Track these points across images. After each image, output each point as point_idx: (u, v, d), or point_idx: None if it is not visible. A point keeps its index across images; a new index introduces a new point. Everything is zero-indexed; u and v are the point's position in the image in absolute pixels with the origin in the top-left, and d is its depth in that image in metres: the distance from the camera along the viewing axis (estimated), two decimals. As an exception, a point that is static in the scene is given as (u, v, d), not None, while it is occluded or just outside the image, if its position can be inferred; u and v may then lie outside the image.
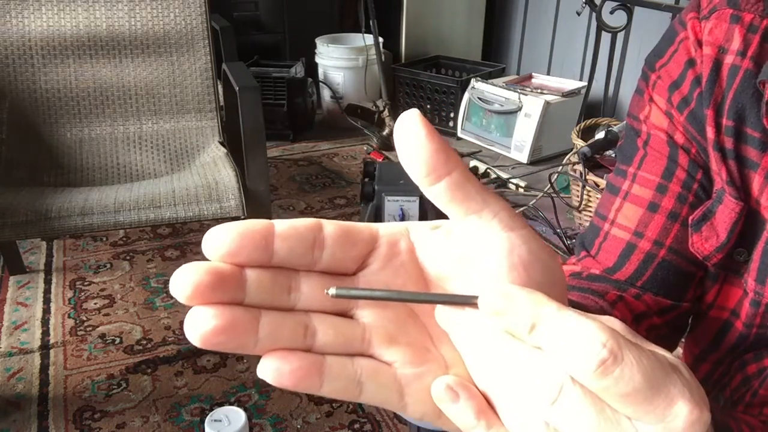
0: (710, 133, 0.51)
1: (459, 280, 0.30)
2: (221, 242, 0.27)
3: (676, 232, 0.54)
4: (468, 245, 0.29)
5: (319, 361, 0.27)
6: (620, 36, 2.62)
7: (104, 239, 2.18)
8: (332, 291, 0.27)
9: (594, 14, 2.57)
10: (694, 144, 0.54)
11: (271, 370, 0.27)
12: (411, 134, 0.27)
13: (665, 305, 0.55)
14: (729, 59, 0.50)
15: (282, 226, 0.27)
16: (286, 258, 0.28)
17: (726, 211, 0.51)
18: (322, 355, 0.28)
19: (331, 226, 0.29)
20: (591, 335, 0.24)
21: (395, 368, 0.29)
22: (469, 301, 0.27)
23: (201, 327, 0.26)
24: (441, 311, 0.28)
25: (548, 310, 0.25)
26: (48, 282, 1.95)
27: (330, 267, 0.29)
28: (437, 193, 0.28)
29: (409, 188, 1.95)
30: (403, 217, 2.12)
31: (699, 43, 0.52)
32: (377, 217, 2.15)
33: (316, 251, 0.28)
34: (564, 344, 0.24)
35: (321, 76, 3.20)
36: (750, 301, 0.51)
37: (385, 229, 0.30)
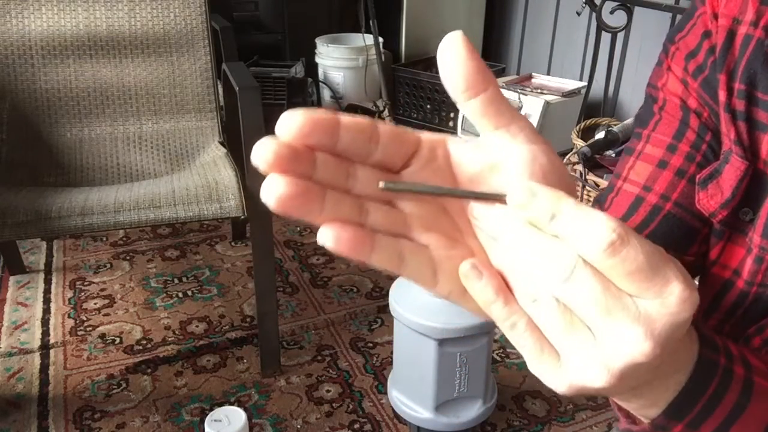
0: (722, 96, 0.54)
1: (485, 185, 0.34)
2: (296, 124, 0.30)
3: (683, 187, 0.58)
4: (495, 155, 0.34)
5: (371, 234, 0.32)
6: (620, 36, 2.62)
7: (104, 239, 2.18)
8: (381, 184, 0.32)
9: (594, 14, 2.56)
10: (706, 108, 0.57)
11: (331, 236, 0.31)
12: (453, 53, 0.31)
13: None
14: (743, 29, 0.53)
15: (346, 118, 0.31)
16: (348, 147, 0.32)
17: (732, 170, 0.53)
18: (372, 231, 0.32)
19: (384, 126, 0.33)
20: (603, 222, 0.29)
21: (430, 250, 0.34)
22: (498, 197, 0.32)
23: (278, 191, 0.30)
24: (473, 205, 0.33)
25: (567, 202, 0.30)
26: (48, 282, 1.95)
27: (381, 161, 0.33)
28: (473, 107, 0.32)
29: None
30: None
31: (715, 16, 0.55)
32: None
33: (372, 144, 0.32)
34: (579, 229, 0.29)
35: (321, 76, 3.20)
36: (754, 257, 0.53)
37: (426, 136, 0.34)
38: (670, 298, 0.29)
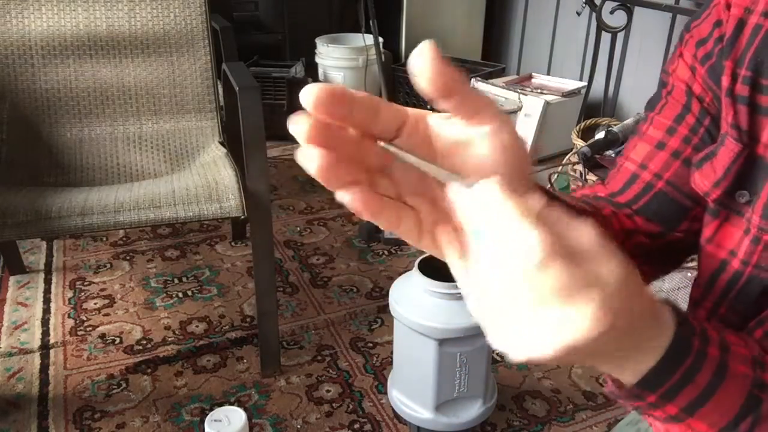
0: (725, 81, 0.57)
1: (458, 156, 0.39)
2: (319, 94, 0.35)
3: (676, 168, 0.62)
4: (465, 132, 0.39)
5: (381, 197, 0.38)
6: (620, 36, 2.62)
7: (104, 239, 2.18)
8: (381, 144, 0.38)
9: (594, 14, 2.56)
10: (710, 93, 0.60)
11: (351, 197, 0.37)
12: (424, 62, 0.35)
13: (654, 231, 0.64)
14: (753, 19, 0.56)
15: (359, 93, 0.37)
16: (360, 119, 0.37)
17: (726, 152, 0.56)
18: (380, 195, 0.39)
19: (383, 102, 0.38)
20: (534, 243, 0.33)
21: (418, 212, 0.40)
22: (469, 183, 0.37)
23: (317, 163, 0.36)
24: (451, 187, 0.39)
25: (508, 217, 0.34)
26: (48, 282, 1.95)
27: (380, 132, 0.39)
28: (446, 109, 0.37)
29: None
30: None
31: (728, 6, 0.58)
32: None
33: (377, 117, 0.38)
34: (514, 244, 0.33)
35: (321, 76, 3.20)
36: (752, 237, 0.56)
37: (411, 111, 0.40)
38: (576, 317, 0.33)
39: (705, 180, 0.59)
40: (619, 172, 0.66)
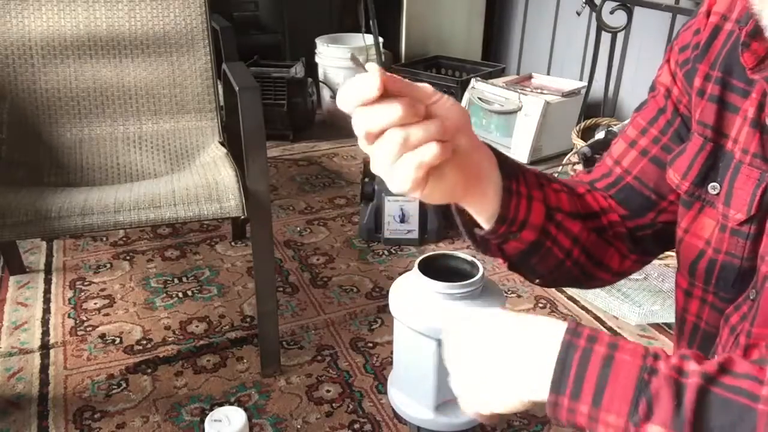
0: (697, 82, 0.62)
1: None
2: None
3: (643, 165, 0.69)
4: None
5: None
6: (620, 36, 2.62)
7: (104, 239, 2.18)
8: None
9: (594, 14, 2.56)
10: (686, 96, 0.65)
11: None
12: (374, 77, 0.49)
13: (624, 213, 0.71)
14: (728, 26, 0.60)
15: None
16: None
17: (692, 146, 0.63)
18: None
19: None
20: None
21: None
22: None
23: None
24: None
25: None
26: (48, 282, 1.95)
27: None
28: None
29: (409, 188, 1.94)
30: (402, 217, 2.11)
31: (708, 14, 0.62)
32: (377, 217, 2.15)
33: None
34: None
35: (321, 76, 3.20)
36: (719, 226, 0.61)
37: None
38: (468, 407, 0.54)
39: (676, 173, 0.64)
40: (601, 165, 0.75)
